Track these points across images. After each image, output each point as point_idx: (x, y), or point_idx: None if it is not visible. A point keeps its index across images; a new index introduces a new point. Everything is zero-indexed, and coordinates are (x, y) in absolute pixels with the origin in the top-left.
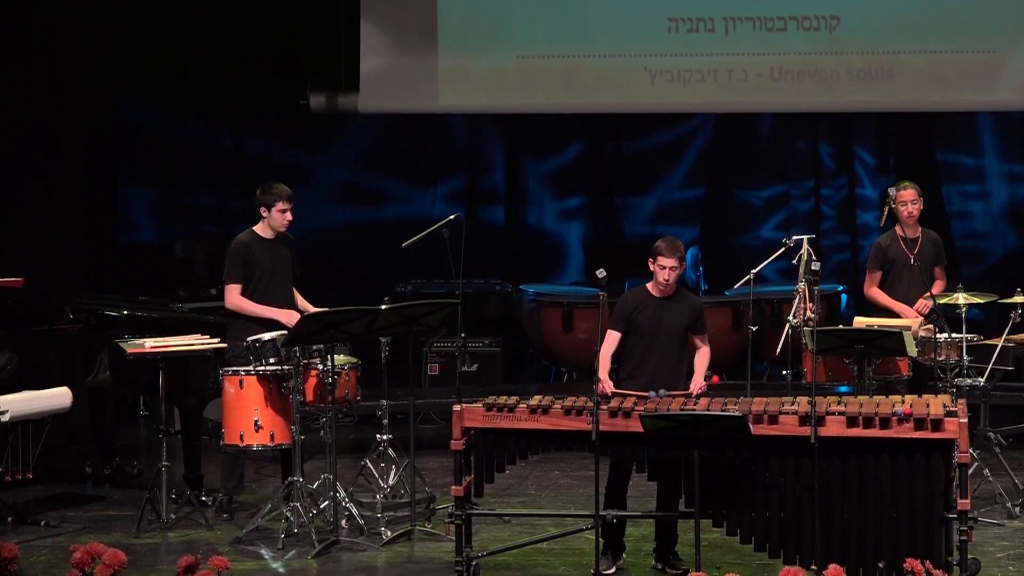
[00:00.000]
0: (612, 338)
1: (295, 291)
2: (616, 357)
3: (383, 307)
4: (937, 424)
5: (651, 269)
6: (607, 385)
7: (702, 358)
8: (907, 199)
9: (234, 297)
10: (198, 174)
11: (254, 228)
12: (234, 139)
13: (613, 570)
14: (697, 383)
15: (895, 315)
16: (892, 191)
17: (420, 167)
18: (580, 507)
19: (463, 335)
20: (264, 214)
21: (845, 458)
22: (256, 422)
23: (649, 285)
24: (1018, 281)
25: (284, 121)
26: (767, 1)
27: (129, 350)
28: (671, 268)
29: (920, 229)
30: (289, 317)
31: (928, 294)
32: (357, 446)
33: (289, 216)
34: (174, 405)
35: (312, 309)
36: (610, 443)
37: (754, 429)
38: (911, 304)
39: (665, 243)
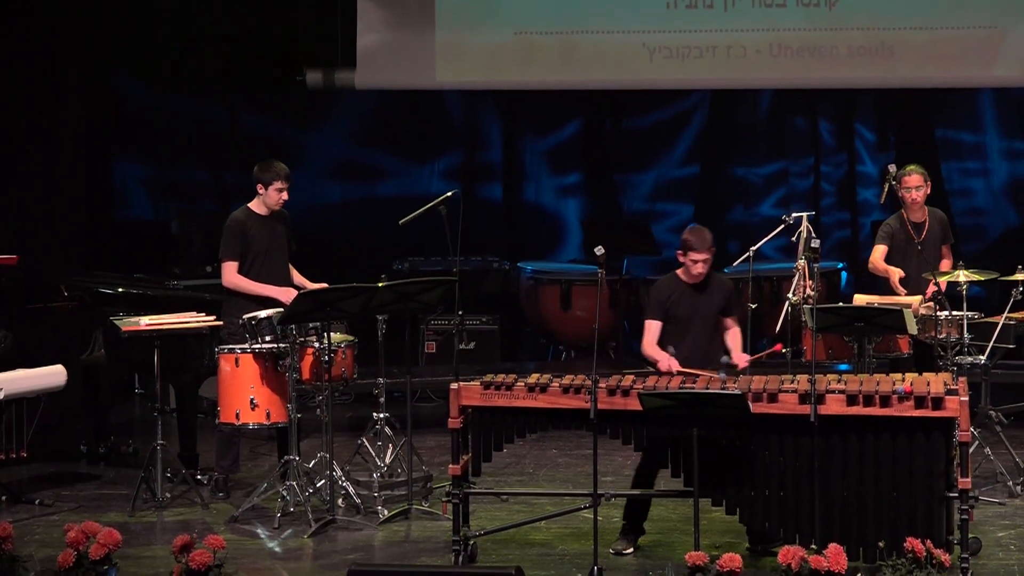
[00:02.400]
0: (654, 328)
1: (292, 268)
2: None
3: (380, 284)
4: (938, 402)
5: (681, 261)
6: (672, 362)
7: (735, 337)
8: (912, 184)
9: (231, 275)
10: (193, 150)
11: (248, 205)
12: (230, 115)
13: (631, 550)
14: (743, 357)
15: (895, 293)
16: (892, 168)
17: (417, 144)
18: (578, 486)
19: (460, 313)
20: (260, 191)
21: (845, 437)
22: (252, 400)
23: (679, 272)
24: (1019, 258)
25: (280, 97)
26: None
27: (124, 328)
28: (703, 261)
29: (927, 211)
30: (286, 295)
31: (927, 273)
32: (354, 424)
33: (285, 195)
34: (169, 383)
35: (309, 286)
36: (608, 421)
37: (753, 407)
38: (918, 290)
39: (694, 236)
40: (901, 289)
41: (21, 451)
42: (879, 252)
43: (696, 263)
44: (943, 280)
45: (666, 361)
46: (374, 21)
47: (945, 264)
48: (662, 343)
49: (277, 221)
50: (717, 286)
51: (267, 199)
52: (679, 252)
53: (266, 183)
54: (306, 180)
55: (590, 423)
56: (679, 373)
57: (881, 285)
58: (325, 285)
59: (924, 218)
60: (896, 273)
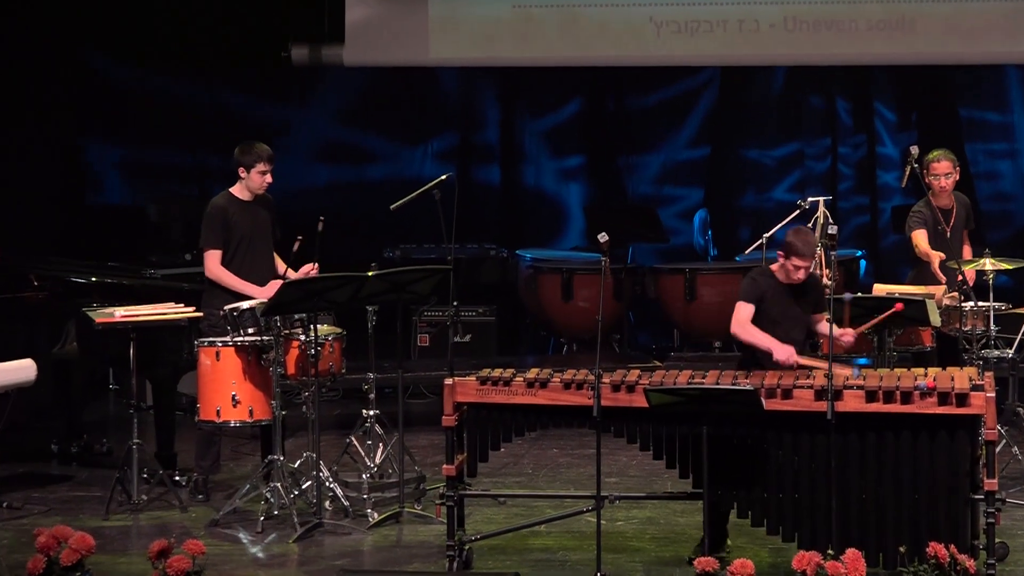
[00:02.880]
0: (747, 310)
1: (276, 256)
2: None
3: (370, 274)
4: (962, 399)
5: (780, 260)
6: (792, 356)
7: (825, 328)
8: (940, 171)
9: (214, 265)
10: (172, 131)
11: (230, 190)
12: (211, 93)
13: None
14: (848, 331)
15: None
16: (914, 150)
17: (409, 124)
18: (580, 488)
19: (455, 304)
20: (242, 175)
21: (864, 435)
22: (234, 397)
23: (775, 268)
24: None
25: (264, 74)
26: None
27: (98, 319)
28: (806, 269)
29: (953, 196)
30: (268, 293)
31: (951, 261)
32: (342, 422)
33: (269, 178)
34: (146, 378)
35: (292, 276)
36: (612, 419)
37: (767, 404)
38: (948, 280)
39: (799, 240)
40: (942, 275)
41: None
42: (922, 235)
43: (799, 269)
44: (969, 269)
45: (783, 350)
46: None
47: (966, 252)
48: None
49: (261, 206)
50: (810, 288)
51: (250, 183)
52: (780, 253)
53: (248, 166)
54: (291, 163)
55: (593, 421)
56: (800, 366)
57: (900, 276)
58: (313, 266)
59: (951, 204)
60: (937, 257)
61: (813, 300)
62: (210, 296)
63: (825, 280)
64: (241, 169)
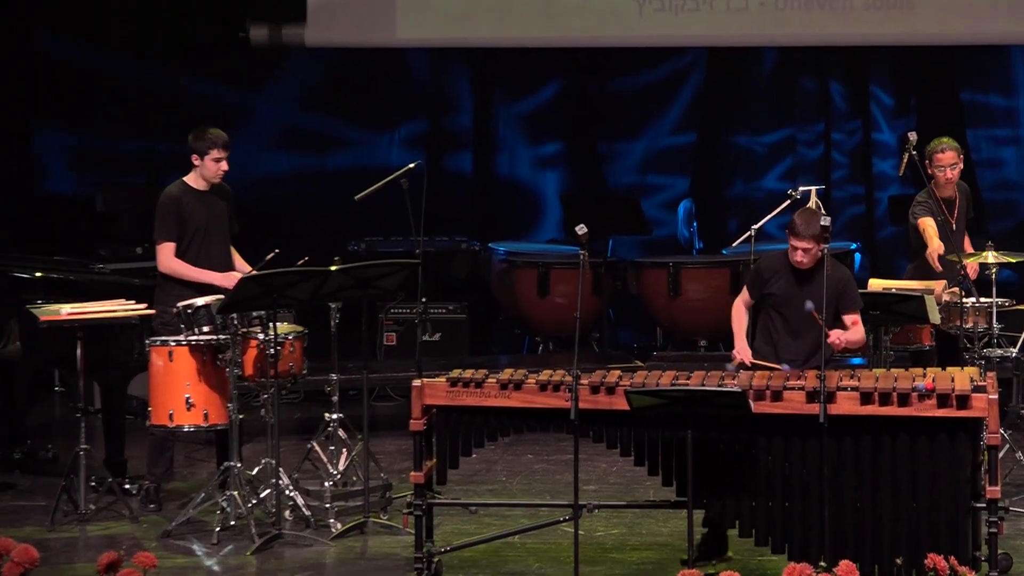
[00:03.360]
0: (744, 294)
1: (233, 250)
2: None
3: (333, 268)
4: (963, 401)
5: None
6: (744, 354)
7: (851, 334)
8: (945, 163)
9: (168, 258)
10: (122, 116)
11: (184, 179)
12: (164, 76)
13: None
14: (838, 334)
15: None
16: (912, 136)
17: (376, 109)
18: (557, 496)
19: (424, 300)
20: (196, 163)
21: (858, 439)
22: (188, 399)
23: (789, 252)
24: None
25: (221, 56)
26: None
27: (42, 317)
28: (804, 250)
29: (955, 185)
30: (230, 280)
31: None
32: (303, 426)
33: (224, 166)
34: (94, 380)
35: (251, 270)
36: (591, 423)
37: (755, 407)
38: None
39: (801, 219)
40: (938, 265)
41: None
42: (932, 223)
43: (796, 250)
44: (971, 262)
45: (737, 352)
46: None
47: (966, 244)
48: (764, 335)
49: (217, 196)
50: (825, 277)
51: (204, 171)
52: (788, 230)
53: (201, 152)
54: (250, 150)
55: (571, 425)
56: (753, 365)
57: (897, 271)
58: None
59: (954, 194)
60: (938, 247)
61: (828, 296)
62: (163, 292)
63: None
64: (195, 156)
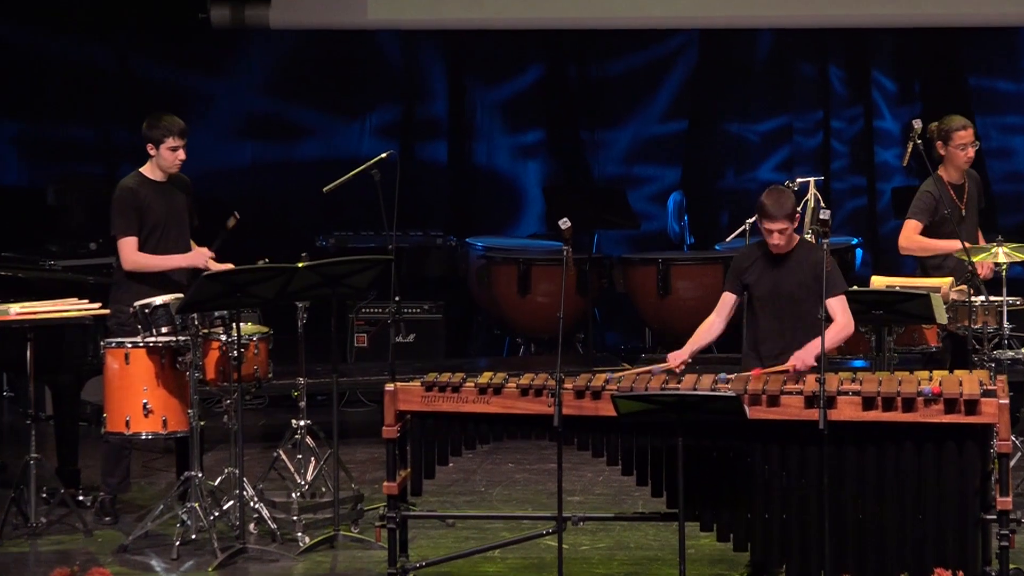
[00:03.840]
0: (725, 301)
1: (194, 245)
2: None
3: (300, 265)
4: (972, 406)
5: (759, 227)
6: (676, 358)
7: (830, 331)
8: (967, 141)
9: (131, 253)
10: (75, 102)
11: (141, 170)
12: (120, 59)
13: None
14: (800, 358)
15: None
16: (917, 124)
17: (345, 95)
18: (540, 507)
19: (397, 299)
20: (152, 152)
21: (861, 447)
22: (145, 405)
23: (764, 235)
24: None
25: (180, 38)
26: None
27: None
28: (779, 231)
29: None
30: (200, 259)
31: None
32: (268, 434)
33: (181, 155)
34: (45, 384)
35: (214, 267)
36: (576, 430)
37: (750, 412)
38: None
39: (770, 199)
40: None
41: None
42: (914, 230)
43: (772, 233)
44: (983, 261)
45: (675, 356)
46: None
47: (979, 237)
48: (751, 329)
49: (177, 188)
50: (804, 259)
51: (160, 161)
52: (757, 216)
53: (156, 141)
54: (210, 139)
55: (554, 431)
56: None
57: (907, 265)
58: (231, 266)
59: (963, 179)
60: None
61: (808, 279)
62: (120, 291)
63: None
64: (150, 145)
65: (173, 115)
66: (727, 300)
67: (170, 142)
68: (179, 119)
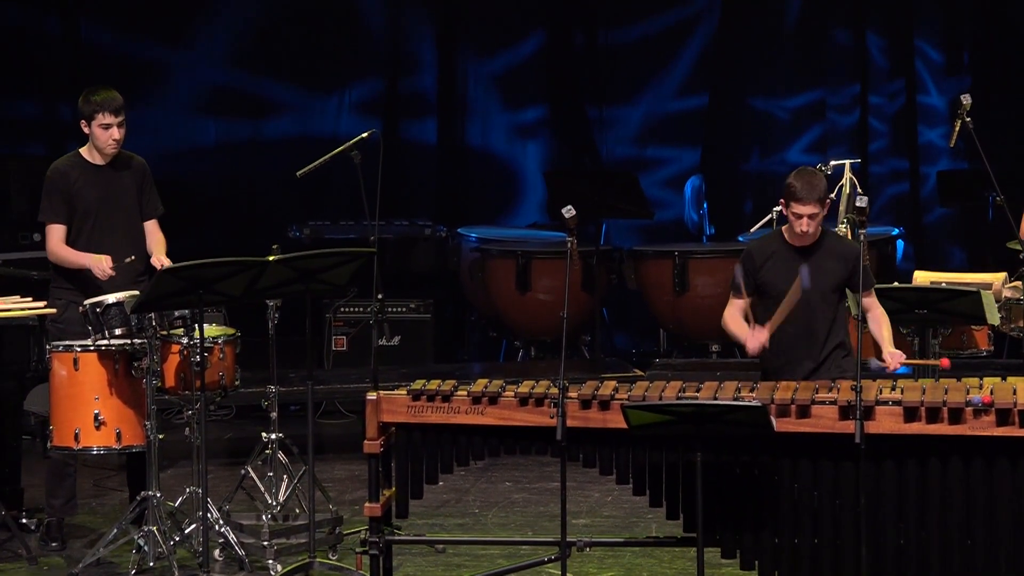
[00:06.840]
0: (735, 305)
1: (159, 239)
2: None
3: (271, 258)
4: None
5: (784, 214)
6: (760, 336)
7: (877, 321)
8: None
9: (55, 244)
10: (17, 74)
11: (80, 150)
12: (66, 26)
13: None
14: (896, 356)
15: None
16: (966, 100)
17: (321, 67)
18: (540, 531)
19: (380, 297)
20: (85, 130)
21: (901, 463)
22: (97, 416)
23: (784, 230)
24: None
25: (135, 5)
26: None
27: None
28: (809, 216)
29: None
30: (100, 267)
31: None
32: (235, 449)
33: (115, 134)
34: None
35: (167, 262)
36: (581, 444)
37: (778, 424)
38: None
39: (800, 180)
40: None
41: None
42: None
43: (800, 218)
44: None
45: (753, 338)
46: None
47: None
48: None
49: (120, 171)
50: (834, 251)
51: (94, 140)
52: (781, 201)
53: (88, 117)
54: (170, 116)
55: (556, 446)
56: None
57: (955, 258)
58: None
59: None
60: None
61: (841, 272)
62: (54, 284)
63: None
64: (83, 122)
65: (112, 89)
66: (738, 306)
67: (101, 118)
68: (117, 93)
